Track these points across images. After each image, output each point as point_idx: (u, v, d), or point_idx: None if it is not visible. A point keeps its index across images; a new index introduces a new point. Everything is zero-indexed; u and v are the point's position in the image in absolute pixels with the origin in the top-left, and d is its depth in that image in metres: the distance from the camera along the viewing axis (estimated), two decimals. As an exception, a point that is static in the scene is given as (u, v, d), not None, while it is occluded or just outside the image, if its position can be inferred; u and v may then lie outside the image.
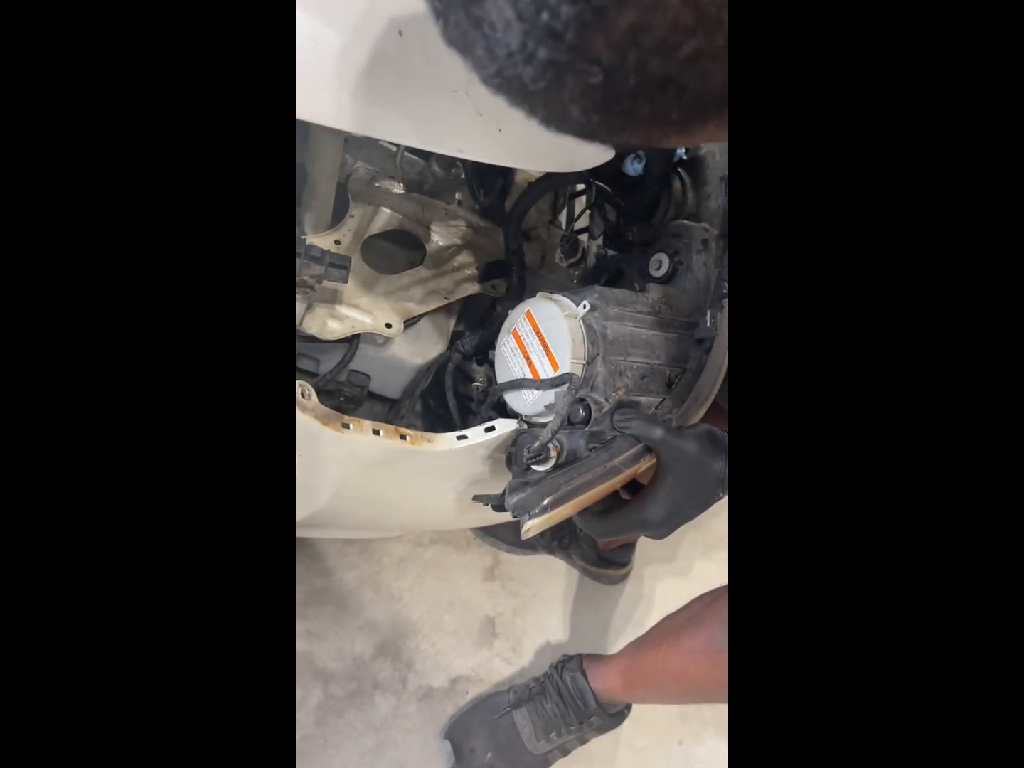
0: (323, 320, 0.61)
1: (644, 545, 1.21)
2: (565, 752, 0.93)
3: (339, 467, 0.59)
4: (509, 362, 0.62)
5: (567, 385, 0.55)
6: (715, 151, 0.75)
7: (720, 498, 0.57)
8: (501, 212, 0.74)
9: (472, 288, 0.70)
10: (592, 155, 0.54)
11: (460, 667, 1.00)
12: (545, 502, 0.52)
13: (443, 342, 0.75)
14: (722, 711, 1.08)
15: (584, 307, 0.58)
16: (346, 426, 0.52)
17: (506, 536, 1.12)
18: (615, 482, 0.55)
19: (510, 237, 0.71)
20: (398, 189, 0.71)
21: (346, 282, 0.53)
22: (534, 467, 0.55)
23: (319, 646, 0.95)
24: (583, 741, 0.94)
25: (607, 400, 0.57)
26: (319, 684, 0.93)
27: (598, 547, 1.11)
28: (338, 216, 0.65)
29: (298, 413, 0.48)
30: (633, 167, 0.75)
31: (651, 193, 0.75)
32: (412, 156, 0.72)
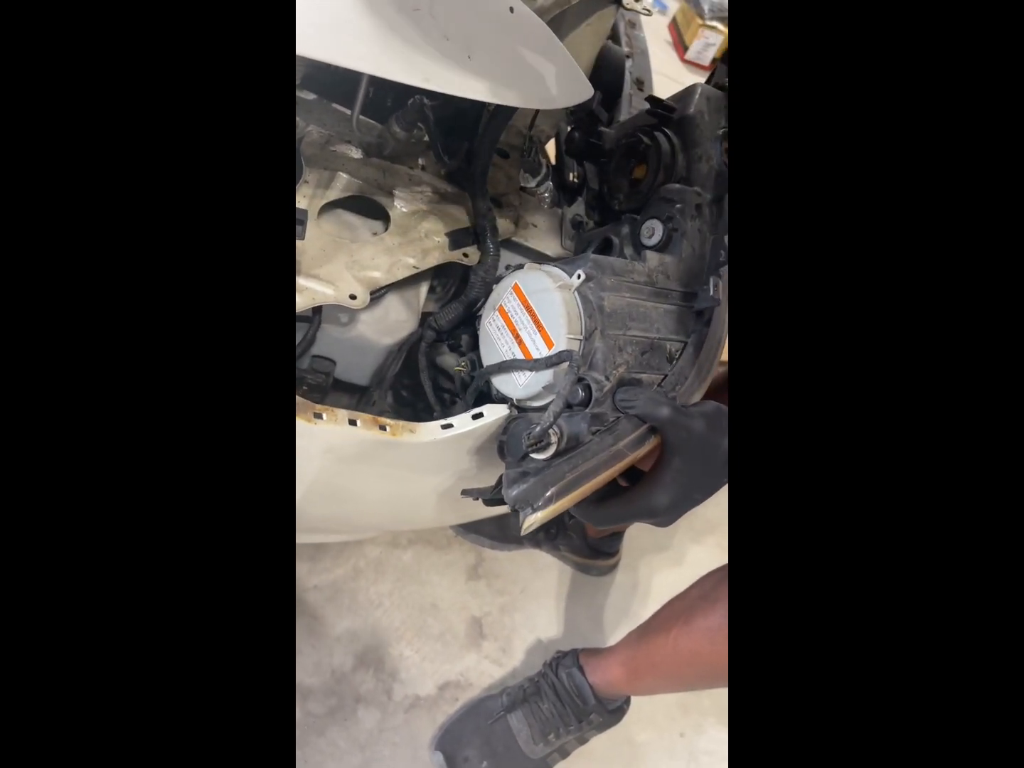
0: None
1: (632, 534, 1.16)
2: (565, 754, 0.88)
3: (311, 463, 0.53)
4: (496, 342, 0.57)
5: (567, 363, 0.51)
6: (704, 111, 0.71)
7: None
8: (467, 176, 0.69)
9: (442, 256, 0.65)
10: (572, 91, 0.50)
11: (448, 673, 0.94)
12: (549, 493, 0.48)
13: (414, 319, 0.70)
14: (722, 699, 1.04)
15: (579, 277, 0.53)
16: (319, 416, 0.46)
17: (489, 531, 1.06)
18: (620, 467, 0.51)
19: (478, 196, 0.66)
20: (356, 154, 0.65)
21: (303, 239, 0.47)
22: (533, 455, 0.50)
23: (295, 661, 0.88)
24: (583, 741, 0.89)
25: (608, 379, 0.53)
26: (297, 702, 0.86)
27: (587, 537, 1.06)
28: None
29: None
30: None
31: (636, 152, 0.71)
32: (368, 120, 0.67)
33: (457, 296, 0.69)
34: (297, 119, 0.64)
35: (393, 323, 0.68)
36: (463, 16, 0.42)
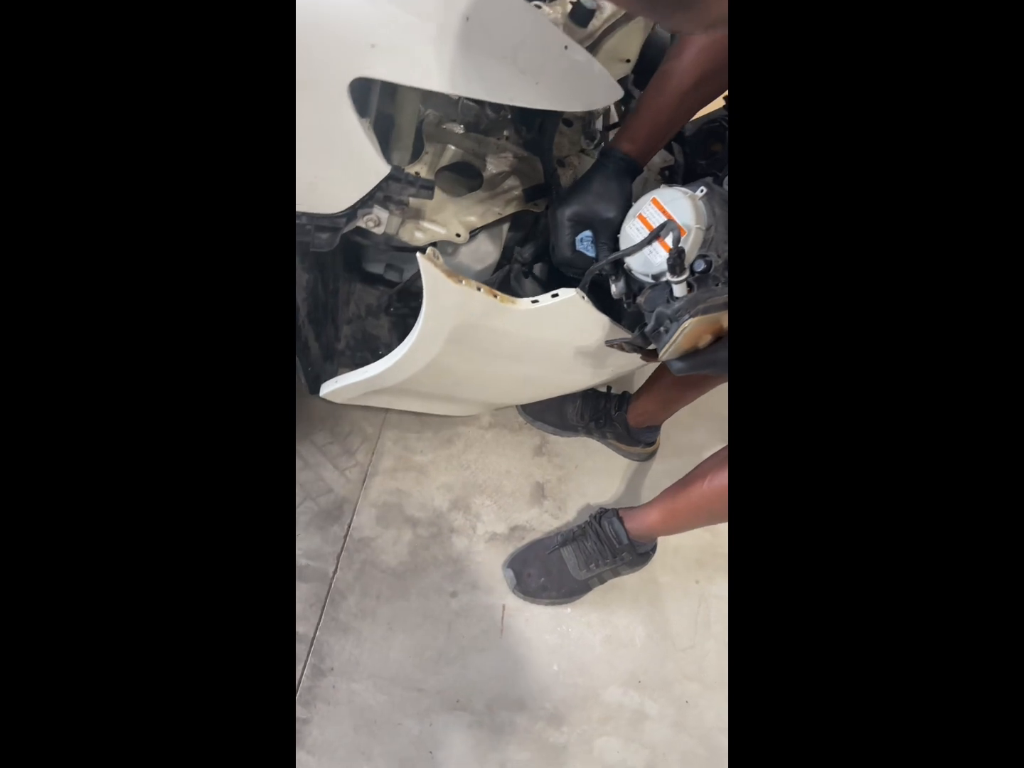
0: (411, 231, 0.83)
1: (670, 433, 1.42)
2: (602, 580, 1.18)
3: (451, 316, 0.77)
4: (636, 239, 0.76)
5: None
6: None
7: None
8: (539, 144, 0.94)
9: (519, 205, 0.91)
10: (607, 95, 0.73)
11: (517, 519, 1.26)
12: (700, 307, 0.67)
13: (498, 251, 0.97)
14: (733, 559, 1.31)
15: (701, 191, 0.74)
16: (459, 281, 0.73)
17: (552, 420, 1.35)
18: (723, 316, 0.71)
19: (546, 160, 0.91)
20: (459, 129, 0.91)
21: (432, 199, 0.74)
22: (671, 279, 0.69)
23: (407, 500, 1.22)
24: (616, 573, 1.18)
25: (719, 256, 0.71)
26: (409, 527, 1.20)
27: (630, 428, 1.33)
28: (415, 154, 0.87)
29: (431, 267, 0.69)
30: None
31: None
32: (469, 103, 0.92)
33: (528, 238, 0.95)
34: (419, 105, 0.91)
35: (483, 253, 0.96)
36: (534, 56, 0.67)
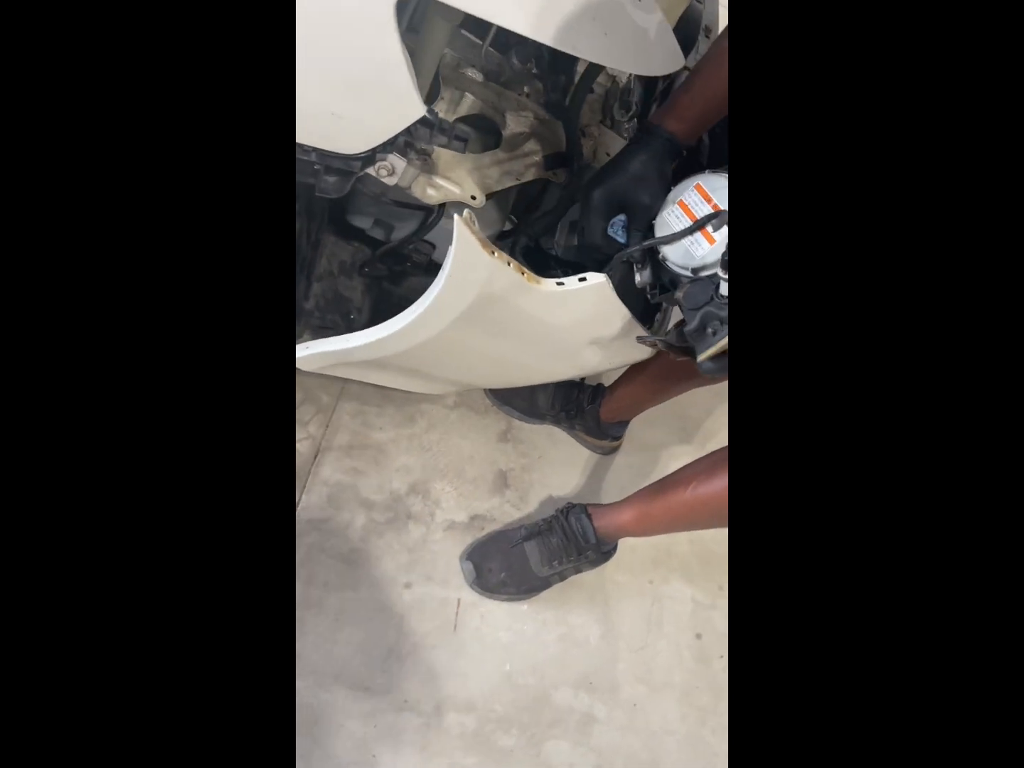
0: (424, 187, 0.72)
1: (634, 430, 1.39)
2: (563, 578, 1.13)
3: (474, 289, 0.67)
4: (675, 227, 0.70)
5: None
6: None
7: None
8: (562, 107, 0.85)
9: (538, 173, 0.82)
10: (670, 63, 0.66)
11: (478, 508, 1.18)
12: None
13: (502, 219, 0.87)
14: (687, 562, 1.30)
15: None
16: (492, 252, 0.63)
17: (520, 405, 1.28)
18: None
19: (572, 130, 0.83)
20: (479, 77, 0.81)
21: (464, 152, 0.64)
22: (723, 278, 0.64)
23: (363, 481, 1.12)
24: (578, 571, 1.13)
25: None
26: (363, 511, 1.10)
27: (600, 421, 1.28)
28: (431, 97, 0.76)
29: (467, 233, 0.59)
30: None
31: None
32: (492, 50, 0.82)
33: (532, 208, 0.86)
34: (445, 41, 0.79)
35: (489, 220, 0.86)
36: (608, 3, 0.58)
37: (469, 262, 0.62)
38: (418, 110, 0.57)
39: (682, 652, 1.21)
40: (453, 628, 1.07)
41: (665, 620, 1.23)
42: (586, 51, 0.59)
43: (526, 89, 0.86)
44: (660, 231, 0.72)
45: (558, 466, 1.30)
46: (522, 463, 1.27)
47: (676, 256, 0.70)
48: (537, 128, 0.84)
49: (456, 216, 0.58)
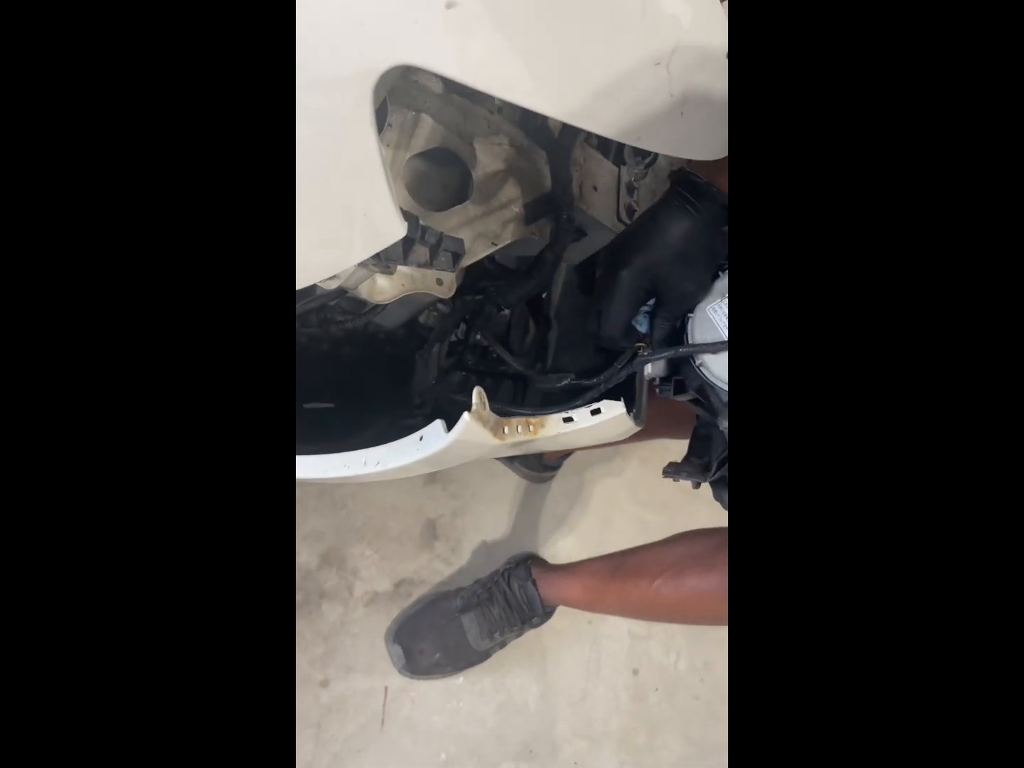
0: (371, 286, 0.48)
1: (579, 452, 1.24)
2: (503, 645, 1.01)
3: (467, 458, 0.53)
4: (720, 329, 0.54)
5: None
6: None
7: None
8: (547, 134, 0.62)
9: (517, 232, 0.59)
10: (710, 150, 0.45)
11: (404, 570, 1.01)
12: None
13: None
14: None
15: None
16: (503, 435, 0.44)
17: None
18: None
19: (563, 167, 0.60)
20: (438, 87, 0.56)
21: (454, 271, 0.41)
22: None
23: (263, 560, 0.90)
24: (520, 635, 1.01)
25: None
26: (264, 598, 0.89)
27: (543, 458, 1.12)
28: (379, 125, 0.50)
29: (477, 428, 0.41)
30: None
31: None
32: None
33: (506, 273, 0.65)
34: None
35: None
36: (688, 67, 0.37)
37: (468, 444, 0.42)
38: (397, 232, 0.34)
39: (619, 695, 1.15)
40: (381, 724, 0.92)
41: (603, 663, 1.15)
42: (656, 143, 0.38)
43: (497, 101, 0.61)
44: (700, 329, 0.55)
45: (491, 503, 1.14)
46: (453, 506, 1.09)
47: (720, 369, 0.54)
48: (515, 162, 0.61)
49: (466, 414, 0.37)
